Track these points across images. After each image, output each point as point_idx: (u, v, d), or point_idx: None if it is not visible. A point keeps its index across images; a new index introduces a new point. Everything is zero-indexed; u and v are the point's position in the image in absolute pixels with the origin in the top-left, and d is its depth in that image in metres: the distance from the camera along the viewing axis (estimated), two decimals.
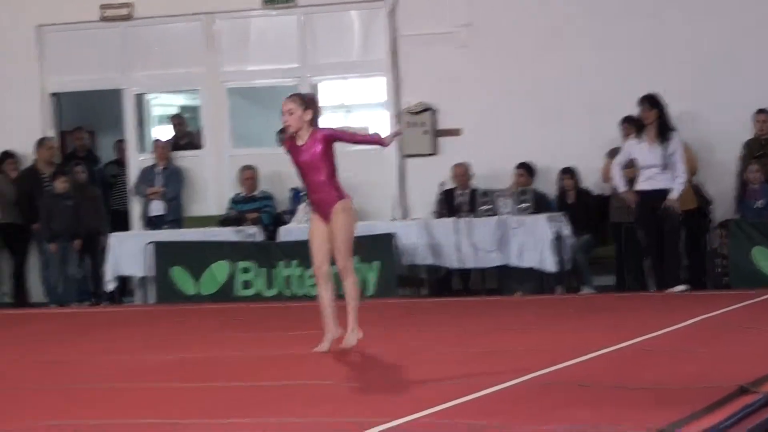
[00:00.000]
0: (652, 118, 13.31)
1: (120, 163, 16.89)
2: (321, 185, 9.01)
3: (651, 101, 13.37)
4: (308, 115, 8.95)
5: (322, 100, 13.85)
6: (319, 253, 8.96)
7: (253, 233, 15.12)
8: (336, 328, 8.97)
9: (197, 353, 9.56)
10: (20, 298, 15.61)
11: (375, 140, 9.71)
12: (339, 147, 9.05)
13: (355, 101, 17.03)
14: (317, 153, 8.91)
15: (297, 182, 14.48)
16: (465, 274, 14.82)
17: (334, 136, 9.06)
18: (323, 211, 9.03)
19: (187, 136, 16.76)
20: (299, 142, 8.94)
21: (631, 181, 13.49)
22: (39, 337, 11.82)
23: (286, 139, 9.05)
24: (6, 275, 15.91)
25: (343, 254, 8.98)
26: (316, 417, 6.11)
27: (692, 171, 13.75)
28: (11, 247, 15.78)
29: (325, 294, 8.97)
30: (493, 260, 14.24)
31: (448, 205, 14.84)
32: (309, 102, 9.09)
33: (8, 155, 15.92)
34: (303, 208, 14.62)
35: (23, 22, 16.18)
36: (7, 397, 7.55)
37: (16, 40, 16.21)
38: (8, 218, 15.65)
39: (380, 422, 5.68)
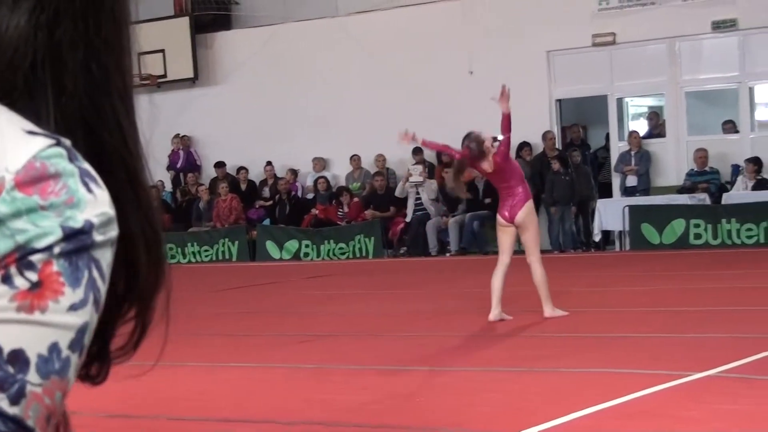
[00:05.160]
0: None
1: (606, 148, 20.56)
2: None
3: None
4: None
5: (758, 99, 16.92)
6: None
7: (703, 198, 17.72)
8: None
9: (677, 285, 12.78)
10: None
11: (507, 117, 9.65)
12: None
13: None
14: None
15: (739, 160, 17.87)
16: None
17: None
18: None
19: (658, 127, 19.70)
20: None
21: None
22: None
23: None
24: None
25: None
26: None
27: None
28: None
29: None
30: None
31: None
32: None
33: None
34: (741, 180, 17.45)
35: None
36: None
37: None
38: None
39: None
